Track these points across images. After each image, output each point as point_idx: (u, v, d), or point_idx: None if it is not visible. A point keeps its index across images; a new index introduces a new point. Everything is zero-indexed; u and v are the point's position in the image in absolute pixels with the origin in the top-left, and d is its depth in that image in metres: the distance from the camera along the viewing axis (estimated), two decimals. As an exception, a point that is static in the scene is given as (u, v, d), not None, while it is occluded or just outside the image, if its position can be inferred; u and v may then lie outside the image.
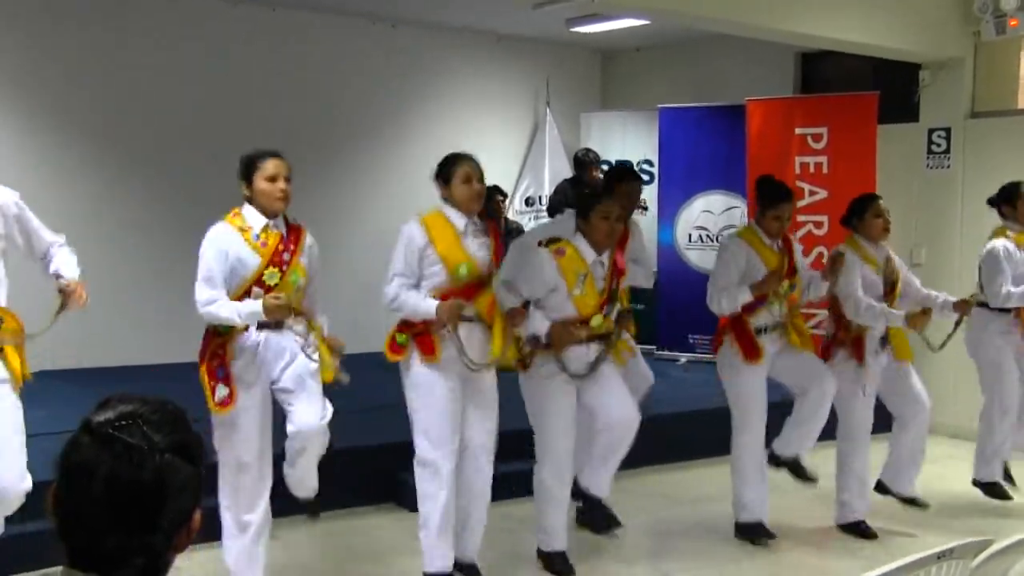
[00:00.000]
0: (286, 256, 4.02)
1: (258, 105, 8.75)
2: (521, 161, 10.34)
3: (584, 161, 8.70)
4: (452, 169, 4.39)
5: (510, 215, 9.29)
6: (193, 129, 8.46)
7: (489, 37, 9.95)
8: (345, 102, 9.24)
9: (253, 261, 3.96)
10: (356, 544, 5.22)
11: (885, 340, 5.44)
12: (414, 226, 4.35)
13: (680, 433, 6.88)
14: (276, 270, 3.98)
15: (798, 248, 5.40)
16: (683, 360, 9.11)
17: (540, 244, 4.69)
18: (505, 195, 8.46)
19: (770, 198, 5.14)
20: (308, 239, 4.16)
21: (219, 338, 4.01)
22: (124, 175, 8.26)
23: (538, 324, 4.54)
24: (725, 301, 5.05)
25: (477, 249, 4.37)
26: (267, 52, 8.79)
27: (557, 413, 4.66)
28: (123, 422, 1.47)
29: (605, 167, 9.70)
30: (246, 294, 3.95)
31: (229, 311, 3.90)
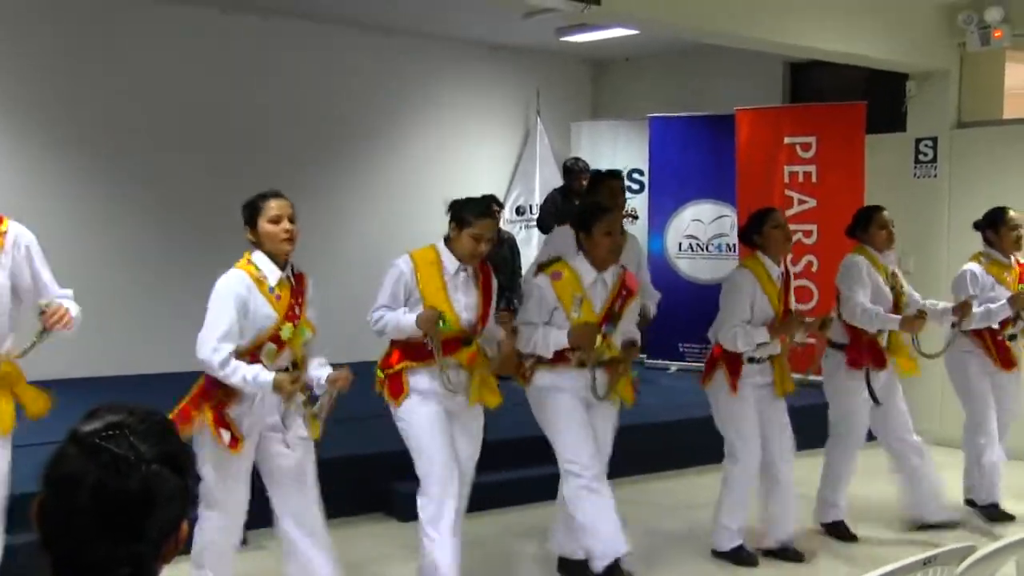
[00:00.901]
0: (297, 311, 3.94)
1: (249, 115, 8.74)
2: (512, 170, 10.35)
3: (573, 170, 8.70)
4: (471, 220, 4.29)
5: (502, 224, 9.29)
6: (183, 138, 8.45)
7: (480, 47, 9.96)
8: (336, 111, 9.23)
9: (272, 316, 3.85)
10: (346, 554, 5.15)
11: (888, 350, 5.47)
12: (404, 262, 4.32)
13: (670, 442, 6.88)
14: (291, 325, 3.89)
15: (791, 279, 5.34)
16: (673, 369, 9.11)
17: (537, 271, 4.66)
18: (501, 205, 8.47)
19: (760, 217, 5.14)
20: (310, 287, 4.07)
21: (221, 388, 3.91)
22: (116, 186, 8.23)
23: (556, 337, 4.47)
24: (741, 340, 4.95)
25: (463, 306, 4.32)
26: (258, 62, 8.78)
27: (569, 415, 4.56)
28: (110, 432, 1.47)
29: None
30: (257, 349, 3.85)
31: (239, 378, 3.77)
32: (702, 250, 9.31)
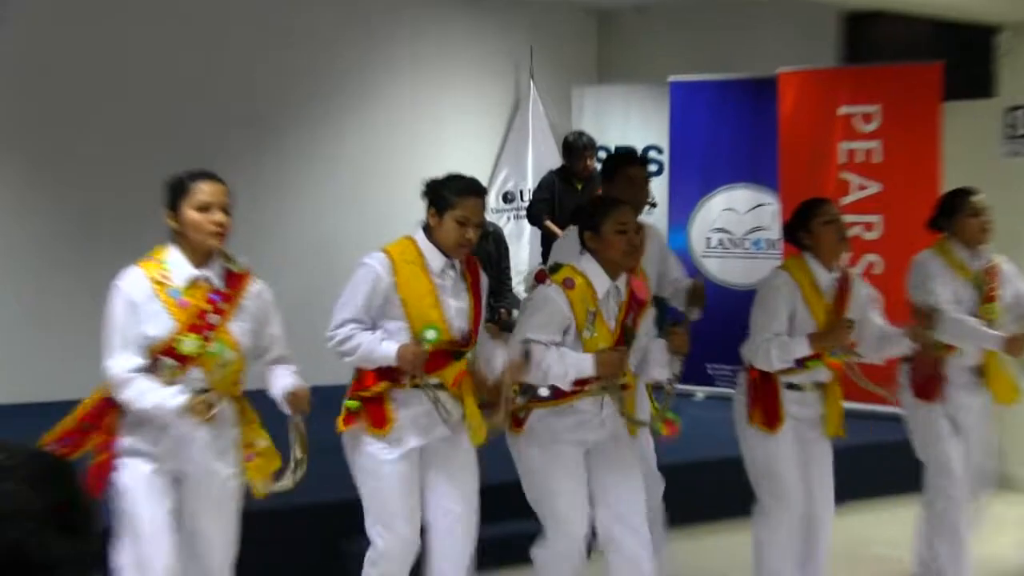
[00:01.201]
0: (212, 319, 3.90)
1: (171, 81, 8.69)
2: (498, 147, 10.38)
3: (576, 147, 8.69)
4: (453, 200, 4.32)
5: (486, 214, 9.23)
6: (81, 114, 8.37)
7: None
8: (280, 75, 9.21)
9: (165, 324, 3.85)
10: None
11: (980, 372, 5.43)
12: (379, 261, 4.29)
13: (698, 488, 6.83)
14: (197, 337, 3.87)
15: (862, 291, 5.27)
16: (700, 395, 9.06)
17: (541, 279, 4.63)
18: (485, 191, 8.39)
19: (807, 211, 5.13)
20: (254, 290, 4.06)
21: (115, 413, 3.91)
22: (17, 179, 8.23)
23: (579, 362, 4.41)
24: (776, 354, 4.93)
25: (455, 313, 4.34)
26: (190, 13, 8.72)
27: (566, 476, 4.57)
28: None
29: (603, 154, 9.66)
30: (153, 366, 3.85)
31: (143, 404, 3.79)
32: (736, 247, 9.29)
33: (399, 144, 9.64)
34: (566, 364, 4.39)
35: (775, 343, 4.92)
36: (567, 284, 4.47)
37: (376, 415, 4.29)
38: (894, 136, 8.18)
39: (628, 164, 5.51)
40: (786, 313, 4.98)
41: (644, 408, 5.08)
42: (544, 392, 4.52)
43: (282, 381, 4.06)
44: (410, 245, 4.35)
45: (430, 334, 4.20)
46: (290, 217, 9.22)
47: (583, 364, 4.41)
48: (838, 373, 5.15)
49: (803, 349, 4.92)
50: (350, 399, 4.35)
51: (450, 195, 4.32)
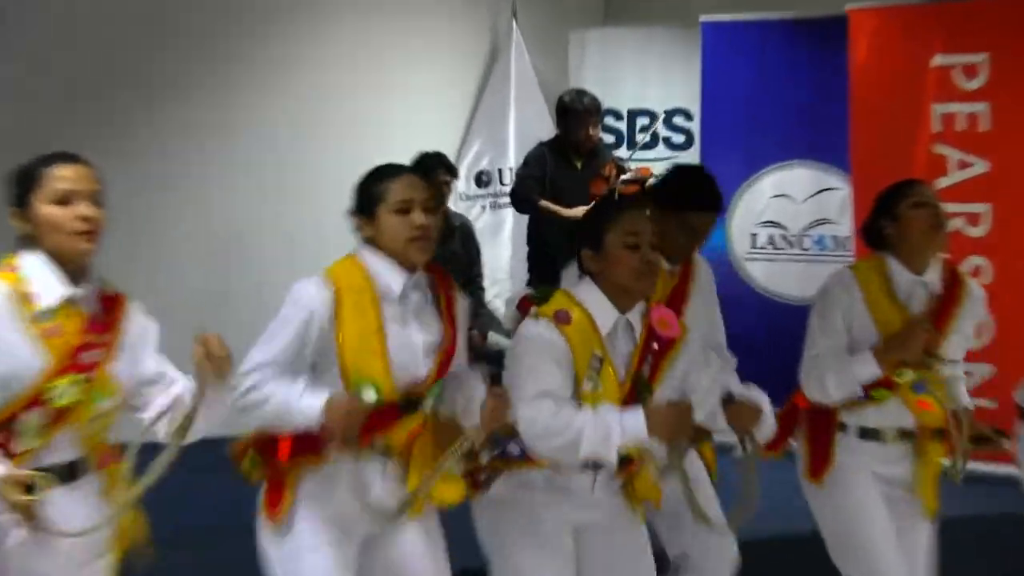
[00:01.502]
0: (90, 356, 3.82)
1: (37, 26, 8.56)
2: (469, 111, 10.45)
3: (574, 110, 8.64)
4: (380, 189, 4.25)
5: (452, 203, 9.18)
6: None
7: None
8: (178, 21, 9.14)
9: (33, 362, 3.73)
10: None
11: None
12: (316, 291, 4.18)
13: (753, 571, 6.80)
14: (75, 381, 3.75)
15: (977, 296, 5.18)
16: (741, 452, 8.98)
17: (525, 309, 4.52)
18: (453, 172, 8.33)
19: (892, 194, 5.09)
20: (134, 320, 3.99)
21: None
22: None
23: (630, 422, 4.26)
24: (833, 380, 4.94)
25: (412, 355, 4.23)
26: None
27: (543, 549, 4.48)
28: None
29: (611, 120, 9.61)
30: (9, 422, 3.71)
31: None
32: (791, 247, 9.28)
33: (337, 109, 9.67)
34: (606, 424, 4.23)
35: (832, 366, 4.95)
36: (559, 318, 4.37)
37: (272, 495, 4.21)
38: (1007, 96, 8.13)
39: (698, 208, 5.18)
40: (843, 323, 5.01)
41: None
42: (515, 450, 4.43)
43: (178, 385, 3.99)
44: (355, 266, 4.25)
45: (367, 394, 4.09)
46: (186, 207, 9.13)
47: (632, 423, 4.24)
48: (931, 417, 5.02)
49: (868, 368, 4.89)
50: (253, 449, 4.27)
51: (374, 185, 4.27)
